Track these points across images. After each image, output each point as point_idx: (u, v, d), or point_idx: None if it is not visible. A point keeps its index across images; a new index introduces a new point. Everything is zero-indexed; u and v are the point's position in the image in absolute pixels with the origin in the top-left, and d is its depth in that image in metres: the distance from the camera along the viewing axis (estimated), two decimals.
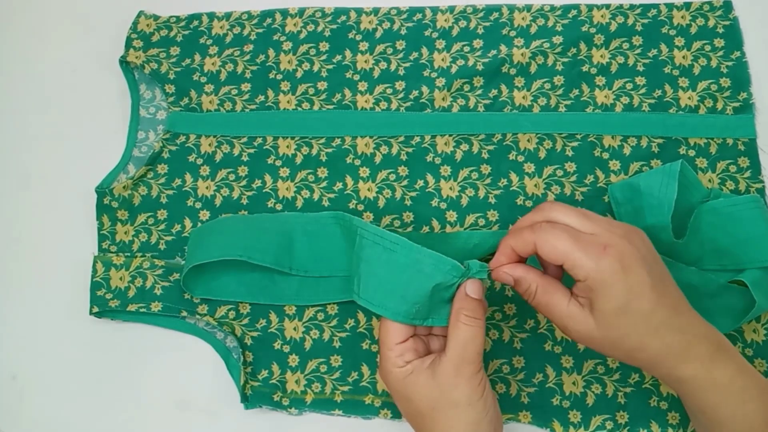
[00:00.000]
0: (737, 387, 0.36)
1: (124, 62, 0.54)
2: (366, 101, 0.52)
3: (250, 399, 0.47)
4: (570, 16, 0.52)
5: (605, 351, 0.37)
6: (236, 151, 0.52)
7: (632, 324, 0.35)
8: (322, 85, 0.52)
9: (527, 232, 0.36)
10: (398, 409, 0.40)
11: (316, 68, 0.53)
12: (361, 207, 0.50)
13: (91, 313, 0.49)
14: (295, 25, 0.54)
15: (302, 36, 0.54)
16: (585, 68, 0.51)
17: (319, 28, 0.54)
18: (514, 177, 0.49)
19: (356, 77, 0.52)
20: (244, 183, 0.51)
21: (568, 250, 0.34)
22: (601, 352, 0.37)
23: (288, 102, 0.52)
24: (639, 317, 0.35)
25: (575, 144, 0.50)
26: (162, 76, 0.53)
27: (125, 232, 0.50)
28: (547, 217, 0.37)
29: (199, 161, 0.52)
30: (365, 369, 0.47)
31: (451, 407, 0.36)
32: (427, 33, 0.53)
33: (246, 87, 0.53)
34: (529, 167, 0.49)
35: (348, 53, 0.53)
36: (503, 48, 0.52)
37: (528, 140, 0.50)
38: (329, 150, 0.51)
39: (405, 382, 0.37)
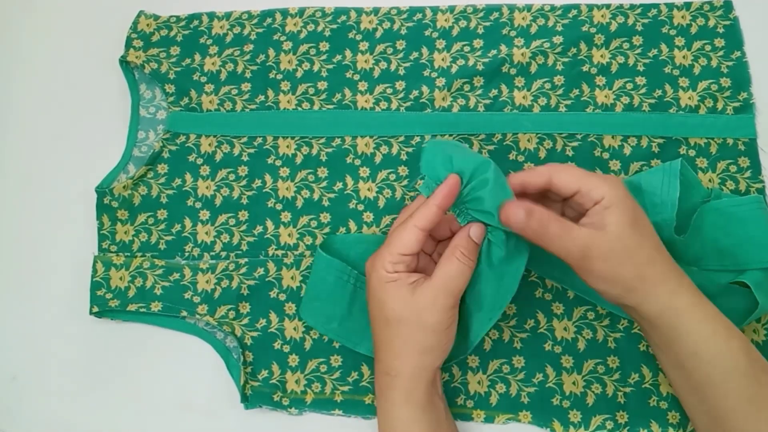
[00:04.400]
0: (723, 323, 0.38)
1: (124, 62, 0.54)
2: (366, 101, 0.52)
3: (250, 399, 0.47)
4: (570, 16, 0.52)
5: (617, 269, 0.38)
6: (236, 151, 0.52)
7: (643, 235, 0.38)
8: (322, 85, 0.52)
9: (540, 168, 0.40)
10: (367, 305, 0.42)
11: (316, 68, 0.53)
12: (361, 207, 0.50)
13: (91, 313, 0.49)
14: (295, 24, 0.54)
15: (302, 36, 0.54)
16: (585, 68, 0.51)
17: (319, 28, 0.54)
18: None
19: (356, 77, 0.52)
20: (244, 183, 0.51)
21: (582, 176, 0.39)
22: (611, 277, 0.38)
23: (288, 102, 0.52)
24: (647, 230, 0.39)
25: (575, 144, 0.50)
26: (162, 75, 0.53)
27: (125, 232, 0.50)
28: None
29: (199, 161, 0.52)
30: (365, 369, 0.47)
31: (417, 326, 0.39)
32: (427, 33, 0.53)
33: (246, 87, 0.53)
34: (530, 167, 0.49)
35: (348, 53, 0.53)
36: (503, 48, 0.52)
37: (528, 140, 0.50)
38: (329, 150, 0.51)
39: (385, 287, 0.40)
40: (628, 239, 0.38)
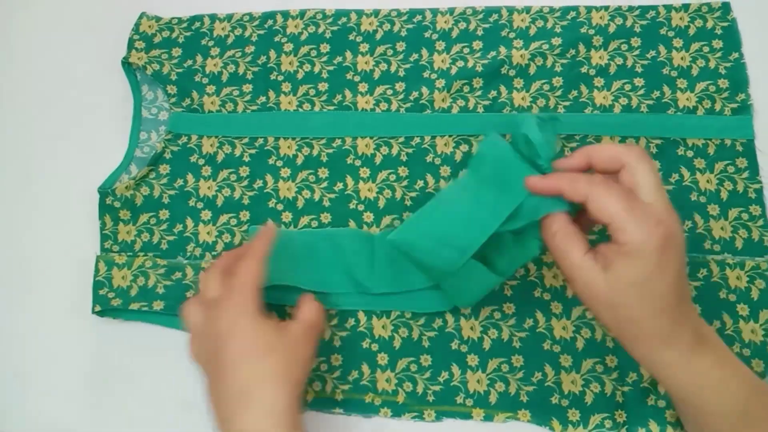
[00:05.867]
0: (715, 378, 0.37)
1: (126, 63, 0.54)
2: (366, 102, 0.52)
3: None
4: (569, 17, 0.53)
5: (599, 311, 0.37)
6: (237, 152, 0.52)
7: (639, 298, 0.35)
8: (323, 86, 0.53)
9: (583, 182, 0.36)
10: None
11: (317, 69, 0.53)
12: (361, 207, 0.50)
13: (93, 312, 0.49)
14: (296, 26, 0.54)
15: (303, 37, 0.54)
16: (584, 69, 0.51)
17: (320, 30, 0.54)
18: None
19: (357, 78, 0.53)
20: (245, 183, 0.51)
21: (620, 213, 0.35)
22: (593, 312, 0.37)
23: (289, 103, 0.53)
24: (649, 295, 0.35)
25: (574, 145, 0.50)
26: (164, 77, 0.53)
27: (127, 232, 0.51)
28: (622, 161, 0.37)
29: (201, 162, 0.52)
30: (365, 368, 0.47)
31: (295, 360, 0.40)
32: (427, 34, 0.53)
33: (247, 88, 0.53)
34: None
35: (348, 55, 0.53)
36: (502, 49, 0.52)
37: None
38: (330, 150, 0.51)
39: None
40: (620, 294, 0.35)
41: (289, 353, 0.40)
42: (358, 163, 0.51)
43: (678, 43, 0.52)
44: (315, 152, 0.51)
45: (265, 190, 0.51)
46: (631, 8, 0.53)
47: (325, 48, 0.54)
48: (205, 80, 0.54)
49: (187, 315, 0.42)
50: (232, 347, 0.39)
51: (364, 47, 0.53)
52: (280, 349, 0.39)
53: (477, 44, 0.53)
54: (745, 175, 0.49)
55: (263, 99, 0.53)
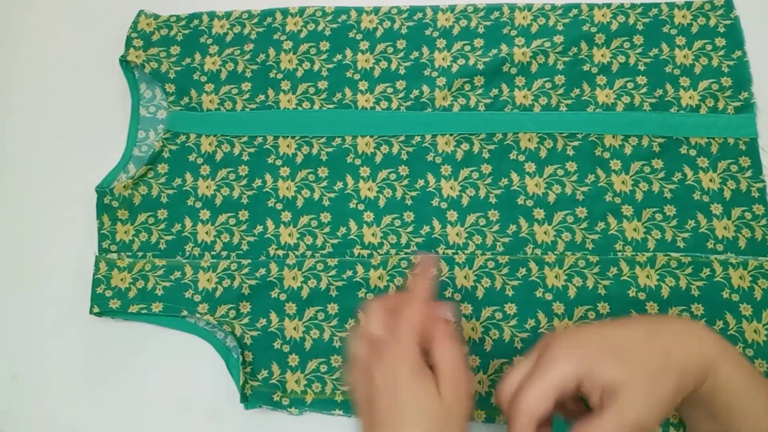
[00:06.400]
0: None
1: (124, 61, 0.54)
2: (366, 100, 0.52)
3: (249, 399, 0.47)
4: (571, 15, 0.52)
5: (681, 407, 0.36)
6: (236, 151, 0.51)
7: (650, 361, 0.34)
8: (322, 85, 0.52)
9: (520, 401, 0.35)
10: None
11: (316, 67, 0.53)
12: (361, 207, 0.50)
13: (91, 312, 0.49)
14: (295, 24, 0.54)
15: (303, 35, 0.54)
16: (586, 67, 0.51)
17: (320, 27, 0.54)
18: (514, 176, 0.49)
19: (357, 76, 0.52)
20: (244, 182, 0.51)
21: (556, 383, 0.34)
22: (685, 411, 0.37)
23: (288, 101, 0.52)
24: (645, 355, 0.35)
25: (576, 143, 0.50)
26: (162, 75, 0.53)
27: (125, 232, 0.50)
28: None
29: (200, 161, 0.52)
30: None
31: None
32: (427, 32, 0.53)
33: (246, 86, 0.53)
34: (530, 167, 0.49)
35: (348, 52, 0.53)
36: (504, 47, 0.52)
37: (529, 140, 0.50)
38: (330, 149, 0.51)
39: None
40: (649, 384, 0.34)
41: (436, 424, 0.35)
42: (358, 162, 0.51)
43: (681, 41, 0.51)
44: (314, 151, 0.51)
45: (264, 190, 0.51)
46: (633, 6, 0.52)
47: (324, 46, 0.53)
48: (204, 78, 0.53)
49: (353, 346, 0.38)
50: (385, 405, 0.35)
51: (364, 45, 0.53)
52: (429, 420, 0.35)
53: (478, 42, 0.52)
54: (749, 174, 0.48)
55: (262, 97, 0.52)
